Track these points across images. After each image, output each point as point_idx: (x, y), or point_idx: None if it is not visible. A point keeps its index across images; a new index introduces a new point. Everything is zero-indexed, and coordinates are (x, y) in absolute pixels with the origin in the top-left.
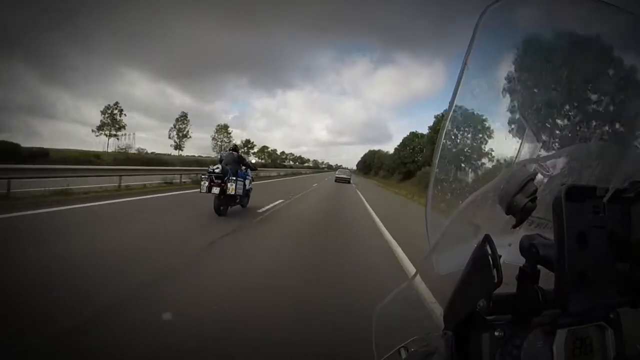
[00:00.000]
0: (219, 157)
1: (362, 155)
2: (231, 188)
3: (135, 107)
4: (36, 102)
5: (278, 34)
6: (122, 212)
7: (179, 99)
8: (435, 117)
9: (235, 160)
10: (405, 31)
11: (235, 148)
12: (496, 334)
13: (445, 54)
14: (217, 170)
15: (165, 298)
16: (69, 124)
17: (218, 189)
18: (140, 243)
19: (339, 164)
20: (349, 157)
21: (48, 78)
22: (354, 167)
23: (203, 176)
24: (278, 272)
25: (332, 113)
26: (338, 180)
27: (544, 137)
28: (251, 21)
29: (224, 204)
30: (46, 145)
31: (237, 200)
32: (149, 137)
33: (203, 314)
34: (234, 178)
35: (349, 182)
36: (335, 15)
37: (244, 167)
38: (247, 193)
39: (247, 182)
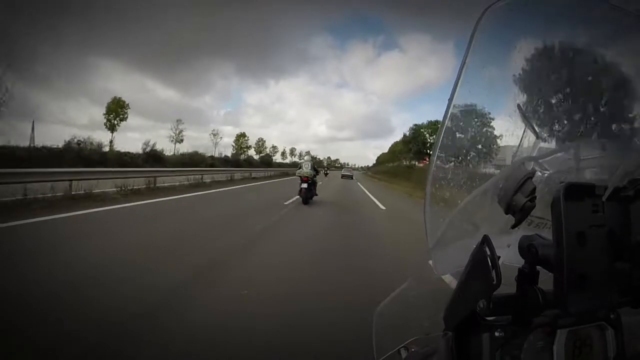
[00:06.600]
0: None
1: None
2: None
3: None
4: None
5: (273, 18)
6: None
7: (164, 94)
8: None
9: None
10: (411, 10)
11: (309, 153)
12: (496, 334)
13: (453, 41)
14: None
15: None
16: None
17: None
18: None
19: (333, 159)
20: (349, 153)
21: (19, 74)
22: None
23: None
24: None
25: (331, 107)
26: (344, 177)
27: (543, 135)
28: (243, 3)
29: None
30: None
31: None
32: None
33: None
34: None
35: (352, 178)
36: None
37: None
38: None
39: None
